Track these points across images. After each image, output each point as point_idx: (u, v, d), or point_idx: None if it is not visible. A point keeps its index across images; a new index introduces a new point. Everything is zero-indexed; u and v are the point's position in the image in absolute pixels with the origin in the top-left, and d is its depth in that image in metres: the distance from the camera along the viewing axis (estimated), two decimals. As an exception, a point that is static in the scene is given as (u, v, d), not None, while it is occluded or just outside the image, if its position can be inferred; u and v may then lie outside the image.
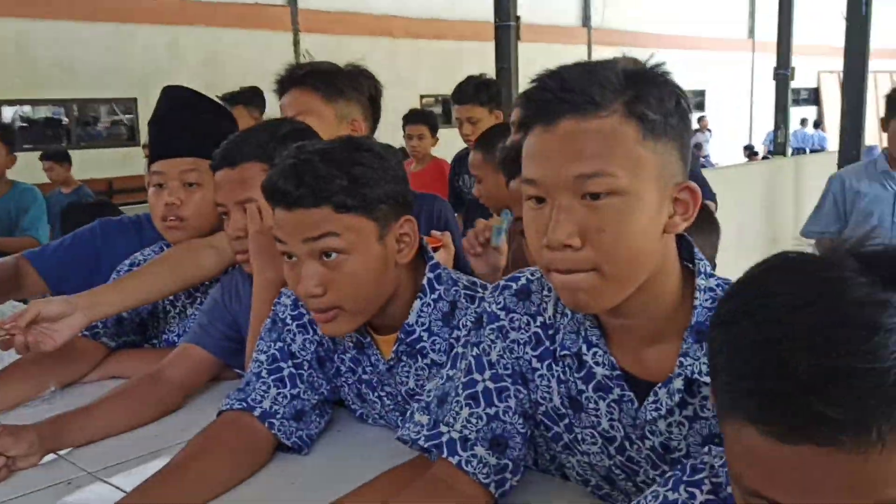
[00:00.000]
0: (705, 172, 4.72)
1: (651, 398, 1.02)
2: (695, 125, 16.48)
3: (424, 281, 1.31)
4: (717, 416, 0.69)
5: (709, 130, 16.49)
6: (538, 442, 1.17)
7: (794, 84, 10.48)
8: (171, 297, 1.82)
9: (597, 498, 1.15)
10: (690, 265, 1.04)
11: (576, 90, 0.92)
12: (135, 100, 11.67)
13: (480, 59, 7.97)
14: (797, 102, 12.53)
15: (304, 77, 1.93)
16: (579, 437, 1.10)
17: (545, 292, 1.12)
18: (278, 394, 1.34)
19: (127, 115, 12.41)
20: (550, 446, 1.15)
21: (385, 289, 1.27)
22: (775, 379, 0.58)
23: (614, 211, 0.92)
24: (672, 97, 0.95)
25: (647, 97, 0.93)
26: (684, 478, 0.86)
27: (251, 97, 4.11)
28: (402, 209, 1.26)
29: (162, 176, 1.74)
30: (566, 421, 1.10)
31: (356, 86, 1.97)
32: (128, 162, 11.08)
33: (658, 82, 0.95)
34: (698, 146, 15.01)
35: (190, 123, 1.76)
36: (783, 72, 9.92)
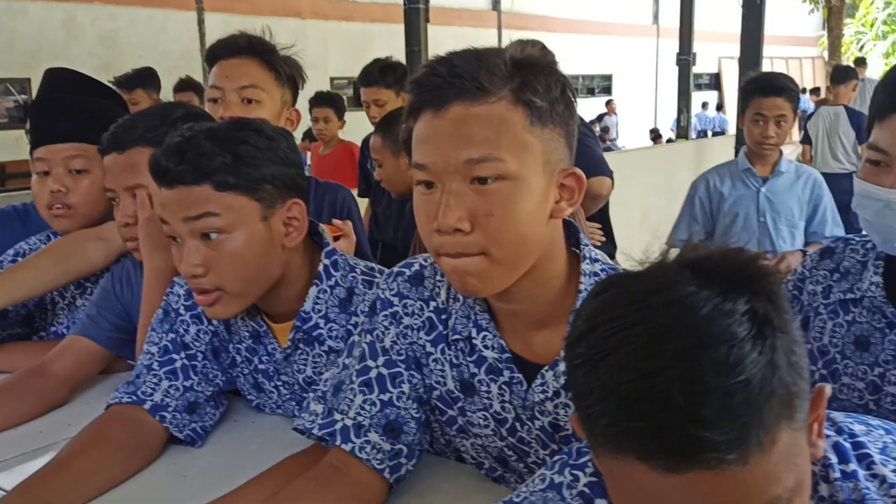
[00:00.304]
0: (610, 155, 4.83)
1: (538, 380, 1.05)
2: (603, 109, 16.81)
3: (320, 267, 1.30)
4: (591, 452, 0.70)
5: (615, 114, 16.86)
6: (433, 426, 1.17)
7: (696, 69, 10.80)
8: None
9: (491, 480, 1.16)
10: (577, 250, 1.06)
11: (465, 76, 0.93)
12: (28, 80, 11.11)
13: (391, 42, 7.91)
14: (699, 87, 12.93)
15: (265, 53, 1.82)
16: (472, 419, 1.11)
17: (438, 277, 1.13)
18: (170, 386, 1.30)
19: (22, 96, 11.82)
20: (445, 430, 1.16)
21: (271, 272, 1.25)
22: (656, 414, 0.58)
23: (502, 196, 0.93)
24: (558, 85, 0.97)
25: (534, 84, 0.94)
26: (570, 461, 0.88)
27: (149, 79, 3.97)
28: (290, 192, 1.24)
29: (46, 163, 1.66)
30: (460, 404, 1.12)
31: (298, 74, 1.91)
32: (22, 145, 10.54)
33: (545, 70, 0.97)
34: (606, 129, 15.32)
35: (74, 107, 1.68)
36: (685, 57, 10.20)
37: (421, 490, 1.14)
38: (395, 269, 1.17)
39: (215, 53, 1.83)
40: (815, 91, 15.22)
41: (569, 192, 0.99)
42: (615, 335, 0.62)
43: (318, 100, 4.27)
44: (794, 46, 22.65)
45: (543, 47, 2.56)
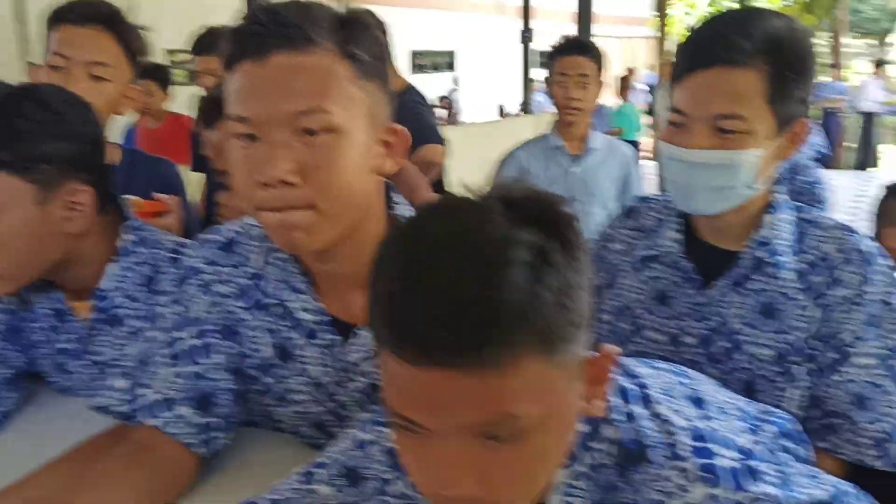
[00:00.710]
0: (454, 129, 4.88)
1: (356, 339, 1.05)
2: (449, 85, 16.98)
3: (122, 243, 1.23)
4: None
5: (459, 90, 17.05)
6: (249, 397, 1.14)
7: (538, 47, 11.07)
8: None
9: (310, 448, 1.15)
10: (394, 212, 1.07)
11: (289, 25, 0.91)
12: None
13: (230, 12, 7.61)
14: (543, 64, 13.25)
15: (123, 28, 1.64)
16: (290, 386, 1.10)
17: (251, 242, 1.10)
18: None
19: None
20: (262, 400, 1.13)
21: (47, 256, 1.16)
22: (408, 309, 0.61)
23: (330, 148, 0.92)
24: (377, 43, 0.97)
25: (358, 39, 0.95)
26: (376, 418, 0.89)
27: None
28: (75, 171, 1.15)
29: None
30: (277, 371, 1.09)
31: (145, 52, 1.76)
32: None
33: (366, 27, 0.97)
34: (452, 105, 15.50)
35: None
36: (526, 34, 10.46)
37: (237, 464, 1.11)
38: (205, 236, 1.13)
39: (64, 16, 1.62)
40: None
41: (391, 149, 1.00)
42: (405, 238, 0.66)
43: (141, 72, 4.00)
44: (629, 26, 23.67)
45: (367, 11, 2.54)
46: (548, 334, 0.63)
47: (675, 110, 1.18)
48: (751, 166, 1.14)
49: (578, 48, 2.63)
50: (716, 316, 1.23)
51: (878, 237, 2.50)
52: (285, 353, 1.08)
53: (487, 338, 0.60)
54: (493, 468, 0.65)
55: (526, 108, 10.60)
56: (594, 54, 2.62)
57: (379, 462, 0.88)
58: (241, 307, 1.09)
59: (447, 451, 0.64)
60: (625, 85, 9.27)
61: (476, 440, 0.64)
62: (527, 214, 0.65)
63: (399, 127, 1.01)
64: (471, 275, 0.61)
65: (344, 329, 1.06)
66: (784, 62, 1.12)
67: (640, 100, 10.46)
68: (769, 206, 1.23)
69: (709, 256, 1.25)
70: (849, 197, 7.51)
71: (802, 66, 1.14)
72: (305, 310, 1.06)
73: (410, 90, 2.90)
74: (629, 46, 22.77)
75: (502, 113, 15.99)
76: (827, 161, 10.23)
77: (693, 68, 1.14)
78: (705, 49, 1.14)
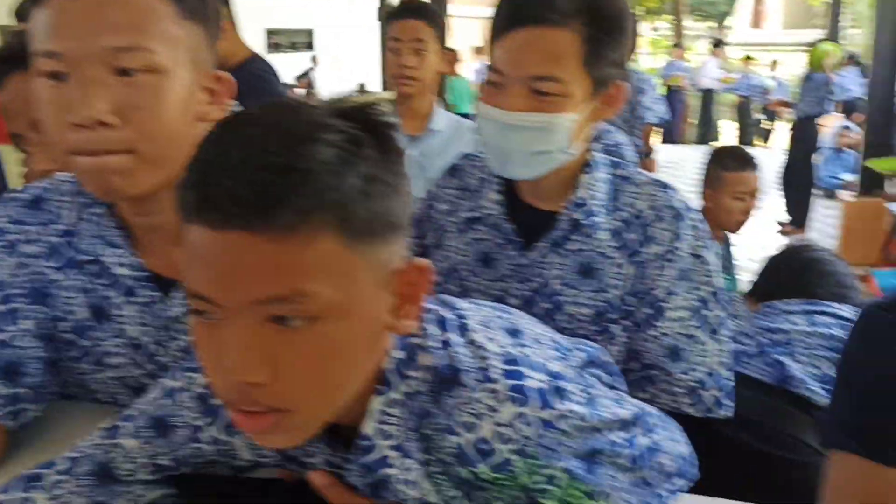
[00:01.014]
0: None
1: (176, 293, 1.02)
2: (306, 64, 16.71)
3: None
4: None
5: (317, 69, 16.79)
6: (63, 364, 1.08)
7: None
8: None
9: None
10: None
11: None
12: None
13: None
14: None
15: None
16: (107, 349, 1.06)
17: (62, 198, 1.05)
18: None
19: None
20: (77, 367, 1.08)
21: None
22: (214, 172, 0.62)
23: (151, 88, 0.89)
24: None
25: None
26: (186, 364, 0.87)
27: None
28: None
29: None
30: (92, 333, 1.05)
31: None
32: None
33: None
34: (311, 84, 15.28)
35: None
36: (383, 10, 10.45)
37: (47, 440, 1.05)
38: (8, 195, 1.07)
39: None
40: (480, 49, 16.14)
41: (215, 96, 0.98)
42: (227, 121, 0.67)
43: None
44: (486, 7, 23.96)
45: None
46: (349, 218, 0.64)
47: (493, 70, 1.16)
48: (566, 130, 1.13)
49: (413, 11, 2.35)
50: (537, 277, 1.23)
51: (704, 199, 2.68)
52: (101, 312, 1.04)
53: (284, 200, 0.61)
54: (284, 354, 0.64)
55: (385, 85, 10.60)
56: (432, 19, 2.34)
57: (189, 409, 0.85)
58: (51, 267, 1.04)
59: (238, 333, 0.63)
60: (452, 59, 9.40)
61: (268, 324, 0.64)
62: (350, 112, 0.67)
63: (224, 74, 0.99)
64: (280, 145, 0.62)
65: (164, 285, 1.03)
66: (599, 24, 1.11)
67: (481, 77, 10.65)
68: (585, 166, 1.23)
69: (530, 217, 1.24)
70: (690, 169, 8.00)
71: (617, 27, 1.13)
72: (123, 265, 1.02)
73: (255, 59, 2.83)
74: (486, 27, 23.08)
75: (362, 90, 15.87)
76: (669, 127, 10.78)
77: (510, 27, 1.13)
78: (522, 7, 1.13)
